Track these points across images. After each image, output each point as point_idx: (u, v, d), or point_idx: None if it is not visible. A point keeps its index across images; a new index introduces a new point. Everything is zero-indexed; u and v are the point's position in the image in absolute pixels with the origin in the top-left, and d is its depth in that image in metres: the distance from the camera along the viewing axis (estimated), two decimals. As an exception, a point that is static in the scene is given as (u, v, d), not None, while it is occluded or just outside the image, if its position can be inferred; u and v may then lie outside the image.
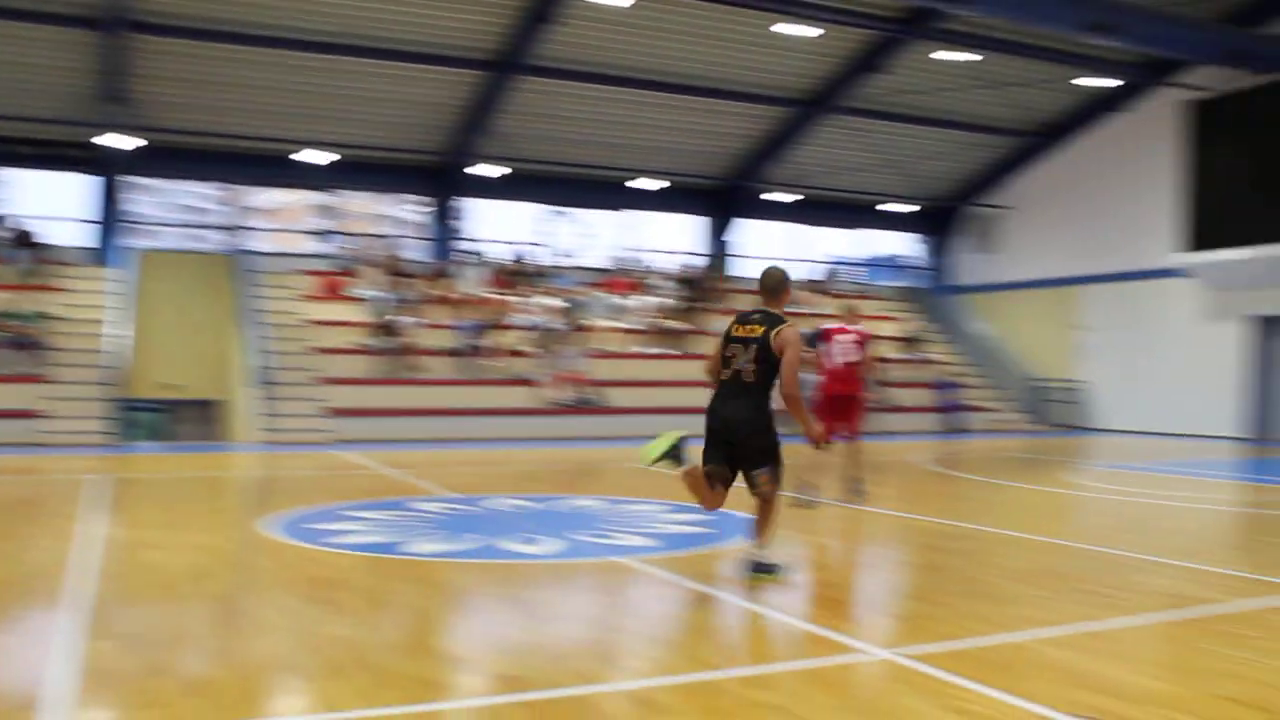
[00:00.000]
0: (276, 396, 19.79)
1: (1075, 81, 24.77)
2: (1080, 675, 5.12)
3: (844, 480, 11.59)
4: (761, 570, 7.21)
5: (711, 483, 7.19)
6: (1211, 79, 23.40)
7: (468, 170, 25.03)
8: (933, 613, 6.65)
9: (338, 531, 9.19)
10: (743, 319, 7.25)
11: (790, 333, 7.02)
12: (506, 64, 22.07)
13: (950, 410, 25.50)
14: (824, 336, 11.55)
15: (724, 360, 7.19)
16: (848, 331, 11.42)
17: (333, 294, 23.40)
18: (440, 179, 25.86)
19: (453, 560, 8.06)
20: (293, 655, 5.48)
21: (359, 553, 8.26)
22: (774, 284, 7.43)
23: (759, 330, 7.07)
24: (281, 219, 42.47)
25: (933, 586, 7.65)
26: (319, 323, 22.28)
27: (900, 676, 5.19)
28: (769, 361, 7.02)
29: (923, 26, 21.52)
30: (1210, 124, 23.47)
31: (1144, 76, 24.41)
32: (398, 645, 5.72)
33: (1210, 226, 23.23)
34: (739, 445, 7.15)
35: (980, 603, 6.75)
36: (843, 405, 11.38)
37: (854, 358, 11.34)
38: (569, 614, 6.61)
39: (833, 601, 7.14)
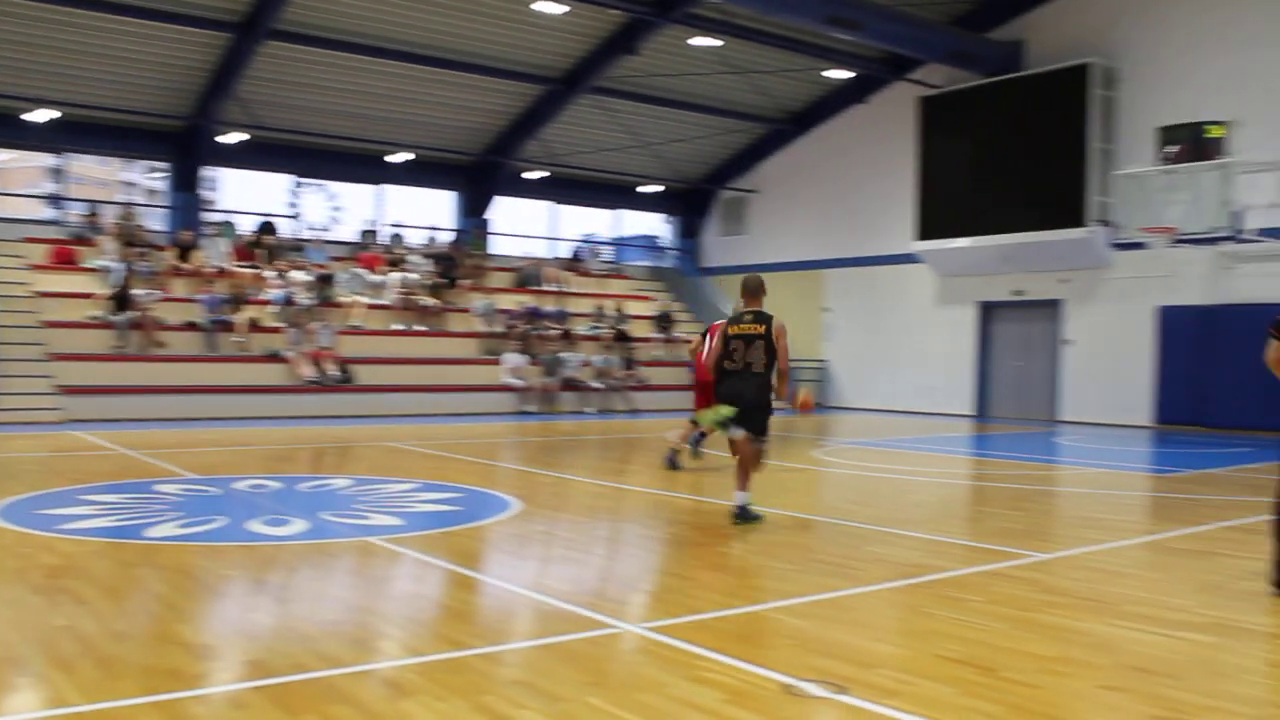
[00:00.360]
0: (1, 374, 18.54)
1: (822, 73, 25.76)
2: (817, 642, 5.38)
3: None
4: (747, 517, 8.84)
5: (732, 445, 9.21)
6: (945, 77, 24.81)
7: (217, 138, 24.01)
8: (680, 586, 6.85)
9: (72, 516, 8.72)
10: (736, 319, 9.15)
11: (781, 325, 9.01)
12: (252, 26, 21.13)
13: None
14: (709, 331, 12.89)
15: (728, 353, 9.02)
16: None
17: (65, 264, 22.04)
18: (183, 145, 24.62)
19: (197, 544, 7.77)
20: (16, 649, 5.16)
21: (95, 538, 7.86)
22: (755, 286, 9.37)
23: (759, 328, 8.97)
24: (6, 182, 39.79)
25: (680, 561, 7.87)
26: (49, 294, 20.91)
27: (646, 649, 5.33)
28: (771, 351, 8.94)
29: (674, 11, 21.89)
30: (936, 119, 24.88)
31: (885, 71, 25.60)
32: (135, 635, 5.48)
33: (937, 217, 24.66)
34: (747, 415, 8.97)
35: (726, 576, 6.99)
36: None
37: None
38: (317, 596, 6.48)
39: (582, 578, 7.24)
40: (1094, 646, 5.44)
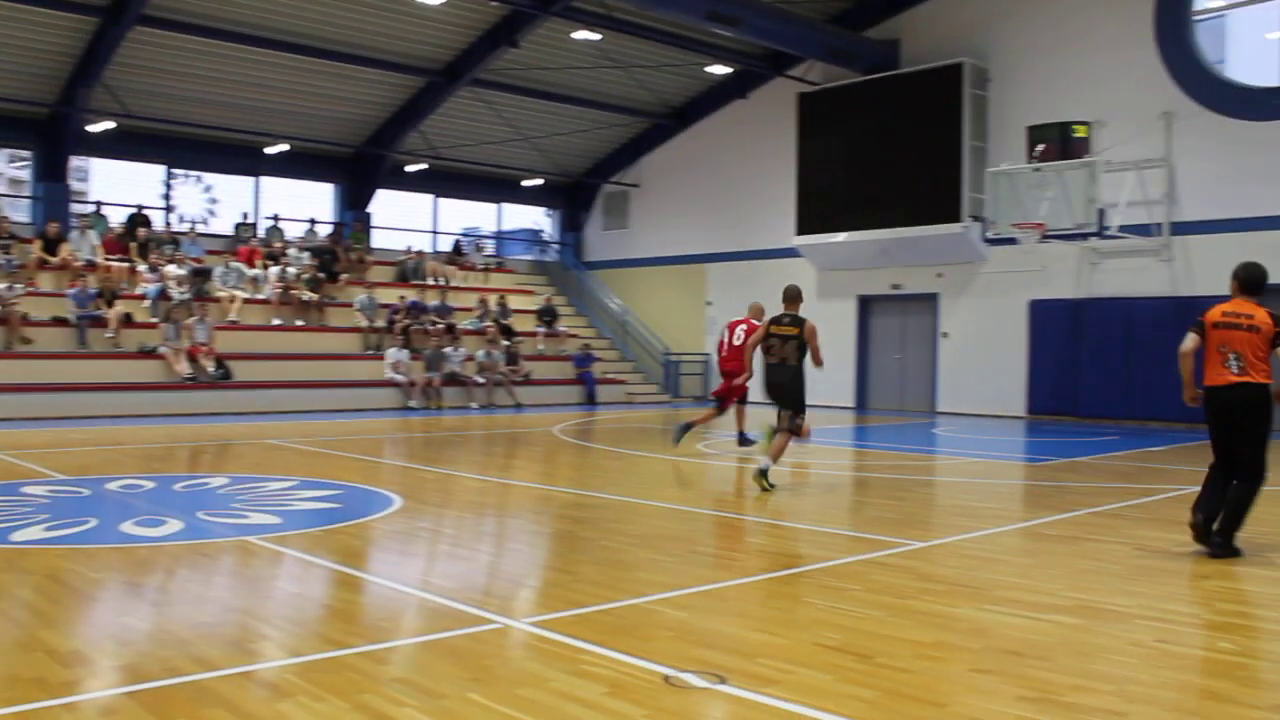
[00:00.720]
0: None
1: (704, 69, 25.95)
2: (697, 633, 5.43)
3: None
4: (766, 479, 10.49)
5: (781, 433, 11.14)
6: (824, 74, 25.20)
7: (85, 127, 23.23)
8: (562, 581, 6.86)
9: (-74, 520, 8.37)
10: (777, 320, 11.10)
11: (812, 327, 10.97)
12: (120, 11, 20.43)
13: (585, 383, 26.19)
14: (729, 326, 14.86)
15: (768, 348, 11.03)
16: (745, 323, 14.54)
17: (-81, 258, 21.16)
18: (48, 133, 23.75)
19: (66, 547, 7.52)
20: None
21: (-48, 543, 7.56)
22: (794, 294, 11.34)
23: (794, 330, 10.92)
24: None
25: (564, 555, 7.87)
26: (-97, 289, 20.07)
27: (527, 644, 5.33)
28: (803, 348, 10.91)
29: (555, 4, 21.83)
30: (815, 116, 25.25)
31: (764, 67, 25.87)
32: (-3, 641, 5.28)
33: (816, 211, 25.03)
34: (783, 398, 11.06)
35: (608, 569, 7.01)
36: (734, 377, 14.41)
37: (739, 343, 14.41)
38: (193, 599, 6.32)
39: (464, 574, 7.19)
40: (967, 631, 5.58)
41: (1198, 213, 19.99)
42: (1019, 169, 19.96)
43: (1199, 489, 7.79)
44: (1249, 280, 7.75)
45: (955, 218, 22.52)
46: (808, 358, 10.93)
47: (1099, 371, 21.11)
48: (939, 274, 23.79)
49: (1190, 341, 7.74)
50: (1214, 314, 7.72)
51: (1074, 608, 6.04)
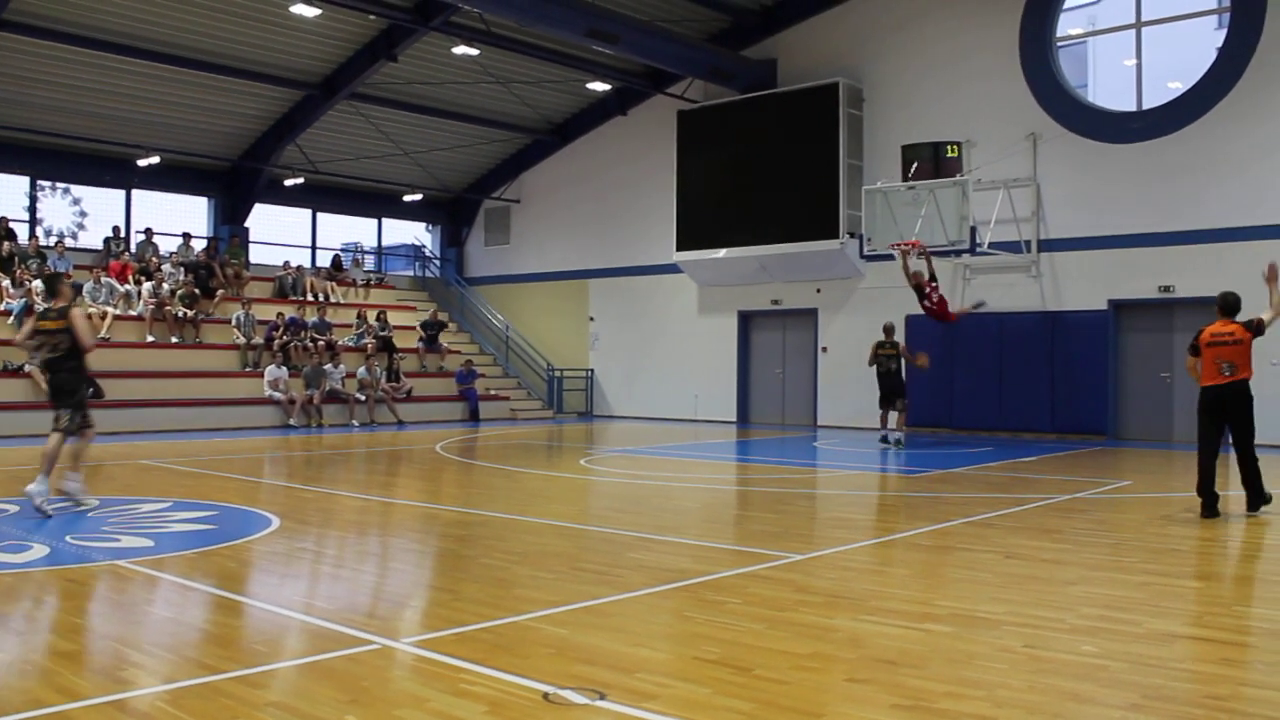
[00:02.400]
0: None
1: (587, 85, 26.05)
2: (577, 650, 5.45)
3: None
4: (895, 442, 17.48)
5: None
6: (703, 92, 25.50)
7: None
8: (443, 600, 6.82)
9: None
10: (883, 345, 18.90)
11: (903, 346, 18.56)
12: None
13: (468, 399, 26.02)
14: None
15: (879, 360, 18.75)
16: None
17: None
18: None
19: (-82, 575, 7.23)
20: None
21: None
22: (891, 328, 18.85)
23: (895, 350, 18.73)
24: None
25: (445, 574, 7.82)
26: None
27: (406, 664, 5.29)
28: (899, 359, 18.43)
29: (434, 19, 21.71)
30: (694, 133, 25.55)
31: (644, 85, 26.07)
32: None
33: (696, 228, 25.30)
34: (894, 393, 18.54)
35: (489, 587, 6.98)
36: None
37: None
38: (59, 627, 6.13)
39: (343, 595, 7.10)
40: (843, 642, 5.70)
41: (1063, 230, 20.69)
42: (894, 187, 20.41)
43: (1197, 478, 9.95)
44: (1226, 305, 10.22)
45: (833, 234, 22.95)
46: None
47: (973, 384, 21.68)
48: (818, 289, 24.20)
49: (1190, 360, 10.47)
50: (1206, 335, 10.13)
51: (947, 616, 6.20)
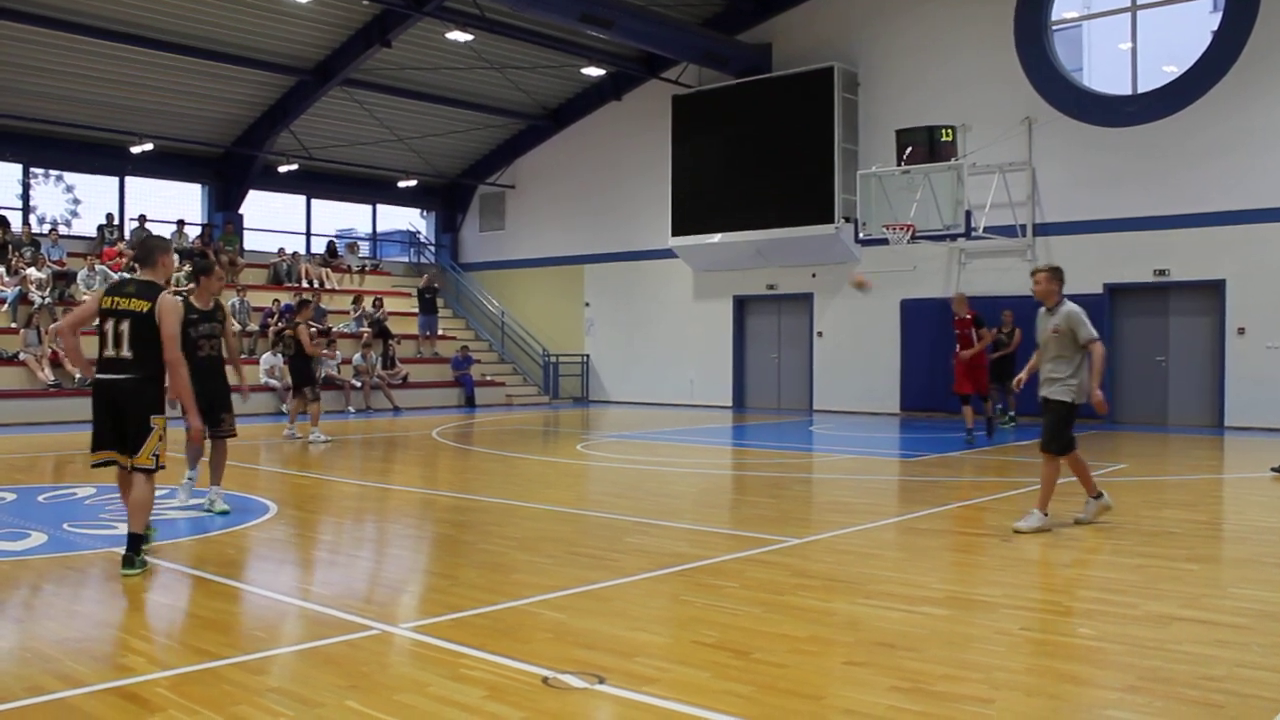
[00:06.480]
0: None
1: (581, 71, 25.97)
2: (576, 634, 5.46)
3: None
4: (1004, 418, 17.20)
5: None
6: (698, 77, 25.45)
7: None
8: (441, 585, 6.83)
9: None
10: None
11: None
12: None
13: (464, 385, 26.02)
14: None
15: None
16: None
17: None
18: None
19: (-84, 563, 7.24)
20: None
21: None
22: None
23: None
24: None
25: (443, 560, 7.84)
26: None
27: (406, 649, 5.30)
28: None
29: (428, 4, 21.61)
30: (689, 118, 25.48)
31: (639, 70, 26.01)
32: None
33: (692, 213, 25.26)
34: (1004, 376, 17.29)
35: (487, 573, 6.99)
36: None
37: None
38: (58, 614, 6.13)
39: (342, 581, 7.11)
40: (841, 625, 5.72)
41: (1058, 214, 20.70)
42: (889, 171, 20.40)
43: None
44: None
45: (828, 219, 22.93)
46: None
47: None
48: (813, 274, 24.20)
49: None
50: None
51: (944, 599, 6.23)
